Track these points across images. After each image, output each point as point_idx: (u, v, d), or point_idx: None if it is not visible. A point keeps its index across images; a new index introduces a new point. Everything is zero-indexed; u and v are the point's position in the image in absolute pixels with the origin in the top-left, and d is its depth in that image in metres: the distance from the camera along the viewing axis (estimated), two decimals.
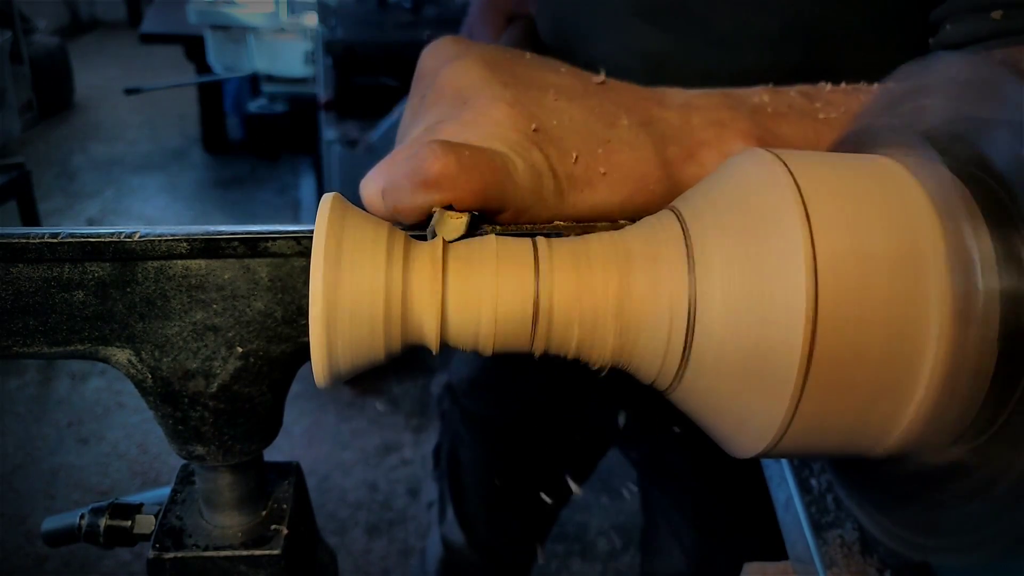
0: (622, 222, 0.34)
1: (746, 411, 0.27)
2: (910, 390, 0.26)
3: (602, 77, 0.38)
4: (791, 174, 0.27)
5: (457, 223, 0.30)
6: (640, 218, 0.33)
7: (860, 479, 0.32)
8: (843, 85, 0.39)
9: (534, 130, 0.33)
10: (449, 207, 0.30)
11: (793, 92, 0.38)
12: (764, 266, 0.26)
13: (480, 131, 0.33)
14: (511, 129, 0.33)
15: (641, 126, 0.35)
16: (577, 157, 0.33)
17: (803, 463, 0.44)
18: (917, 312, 0.25)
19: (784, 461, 0.44)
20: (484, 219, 0.32)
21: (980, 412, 0.25)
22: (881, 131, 0.31)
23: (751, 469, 0.68)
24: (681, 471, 0.77)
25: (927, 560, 0.36)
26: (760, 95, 0.38)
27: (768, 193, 0.27)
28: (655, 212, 0.34)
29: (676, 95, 0.37)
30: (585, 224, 0.34)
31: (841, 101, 0.38)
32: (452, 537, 0.96)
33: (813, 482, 0.42)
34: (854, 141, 0.33)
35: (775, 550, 0.49)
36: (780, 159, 0.27)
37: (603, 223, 0.34)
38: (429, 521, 1.02)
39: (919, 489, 0.28)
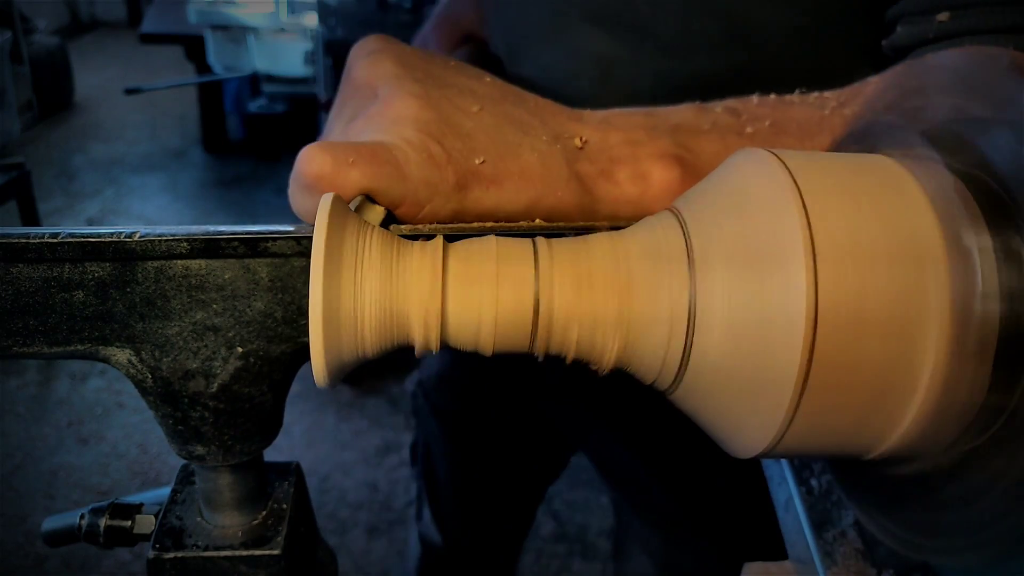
0: (622, 224, 0.34)
1: (746, 411, 0.27)
2: (910, 390, 0.26)
3: (526, 91, 0.39)
4: (790, 174, 0.27)
5: (375, 211, 0.31)
6: (550, 221, 0.34)
7: (860, 479, 0.32)
8: (772, 97, 0.39)
9: (437, 122, 0.33)
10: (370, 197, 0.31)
11: (719, 108, 0.39)
12: (764, 266, 0.26)
13: (382, 123, 0.33)
14: (412, 122, 0.33)
15: (555, 137, 0.35)
16: (482, 153, 0.33)
17: (803, 463, 0.44)
18: (917, 312, 0.25)
19: (784, 461, 0.44)
20: (390, 212, 0.32)
21: (980, 413, 0.25)
22: (881, 130, 0.31)
23: (715, 473, 0.69)
24: (641, 475, 0.77)
25: (927, 560, 0.36)
26: (683, 113, 0.38)
27: (767, 193, 0.27)
28: (565, 217, 0.35)
29: (595, 114, 0.38)
30: (585, 224, 0.34)
31: (768, 114, 0.38)
32: (429, 535, 0.96)
33: (813, 482, 0.42)
34: (854, 140, 0.33)
35: (741, 553, 0.49)
36: (780, 159, 0.27)
37: (603, 223, 0.34)
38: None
39: (919, 490, 0.28)
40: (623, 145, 0.36)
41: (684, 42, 0.50)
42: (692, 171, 0.36)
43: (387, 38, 0.39)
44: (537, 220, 0.34)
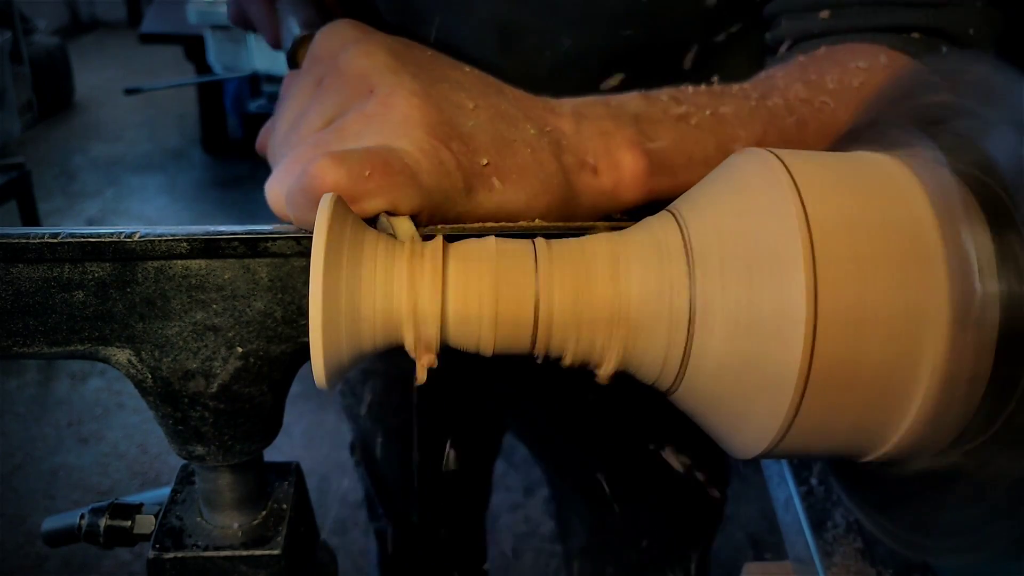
0: (623, 223, 0.34)
1: (747, 412, 0.27)
2: (910, 391, 0.26)
3: (496, 79, 0.38)
4: (790, 174, 0.27)
5: (405, 225, 0.30)
6: (544, 219, 0.34)
7: (860, 480, 0.32)
8: (703, 87, 0.40)
9: (443, 125, 0.32)
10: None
11: (664, 97, 0.39)
12: (764, 266, 0.26)
13: (385, 127, 0.31)
14: (419, 125, 0.31)
15: (539, 131, 0.35)
16: (483, 154, 0.33)
17: (803, 463, 0.44)
18: (916, 312, 0.25)
19: (784, 461, 0.44)
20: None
21: (979, 413, 0.25)
22: (881, 129, 0.31)
23: (628, 440, 0.70)
24: (571, 450, 0.79)
25: (927, 560, 0.36)
26: (636, 102, 0.38)
27: (767, 193, 0.27)
28: (557, 215, 0.34)
29: (564, 104, 0.37)
30: (585, 224, 0.34)
31: (706, 103, 0.38)
32: (386, 531, 0.96)
33: (813, 482, 0.42)
34: (855, 139, 0.33)
35: (679, 511, 0.48)
36: (779, 159, 0.27)
37: (602, 223, 0.34)
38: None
39: (919, 490, 0.28)
40: (596, 136, 0.36)
41: (583, 15, 0.50)
42: (657, 161, 0.36)
43: (361, 24, 0.37)
44: (537, 220, 0.34)
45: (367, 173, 0.29)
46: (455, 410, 0.86)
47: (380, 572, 1.03)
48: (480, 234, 0.31)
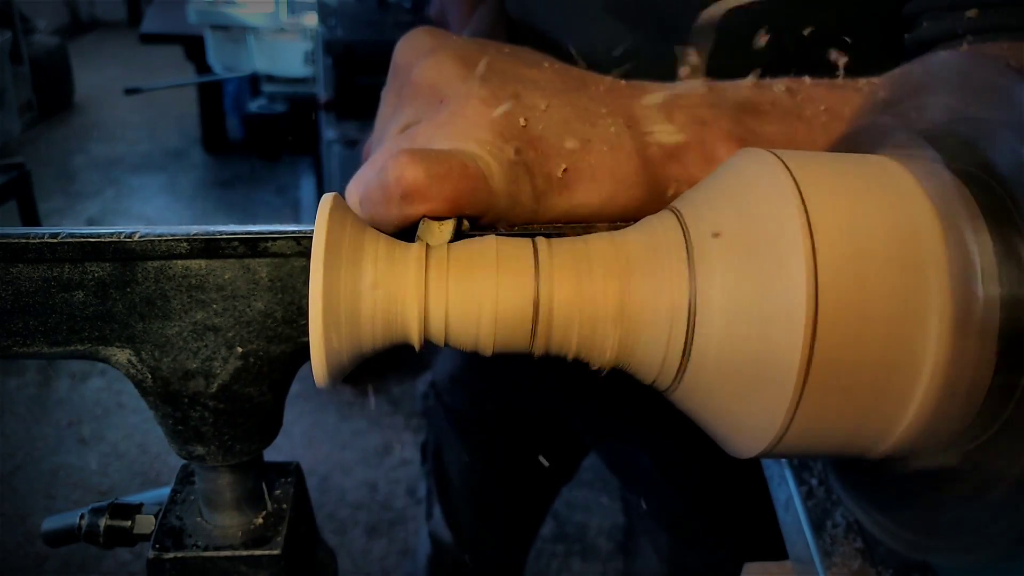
0: (619, 223, 0.34)
1: (746, 411, 0.27)
2: (910, 391, 0.26)
3: (583, 71, 0.37)
4: (791, 174, 0.27)
5: (442, 231, 0.30)
6: (622, 220, 0.33)
7: (860, 479, 0.32)
8: (825, 80, 0.38)
9: (513, 128, 0.32)
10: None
11: (776, 87, 0.37)
12: (764, 266, 0.26)
13: (455, 133, 0.32)
14: (487, 129, 0.31)
15: (623, 124, 0.34)
16: (555, 157, 0.32)
17: (803, 463, 0.44)
18: (917, 312, 0.25)
19: (784, 461, 0.44)
20: (469, 223, 0.31)
21: (980, 413, 0.25)
22: (882, 130, 0.31)
23: (723, 472, 0.69)
24: (652, 474, 0.77)
25: (927, 560, 0.36)
26: (743, 89, 0.37)
27: (768, 193, 0.27)
28: (637, 214, 0.33)
29: (657, 89, 0.36)
30: (585, 224, 0.33)
31: (823, 97, 0.37)
32: (440, 534, 0.96)
33: (813, 482, 0.42)
34: (855, 140, 0.33)
35: (752, 554, 0.49)
36: (780, 159, 0.27)
37: (602, 223, 0.34)
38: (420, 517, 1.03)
39: (919, 489, 0.28)
40: (690, 125, 0.35)
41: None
42: None
43: (437, 31, 0.38)
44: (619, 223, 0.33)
45: (443, 172, 0.29)
46: (539, 428, 0.85)
47: (428, 572, 1.03)
48: (552, 234, 0.30)
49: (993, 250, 0.25)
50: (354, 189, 0.33)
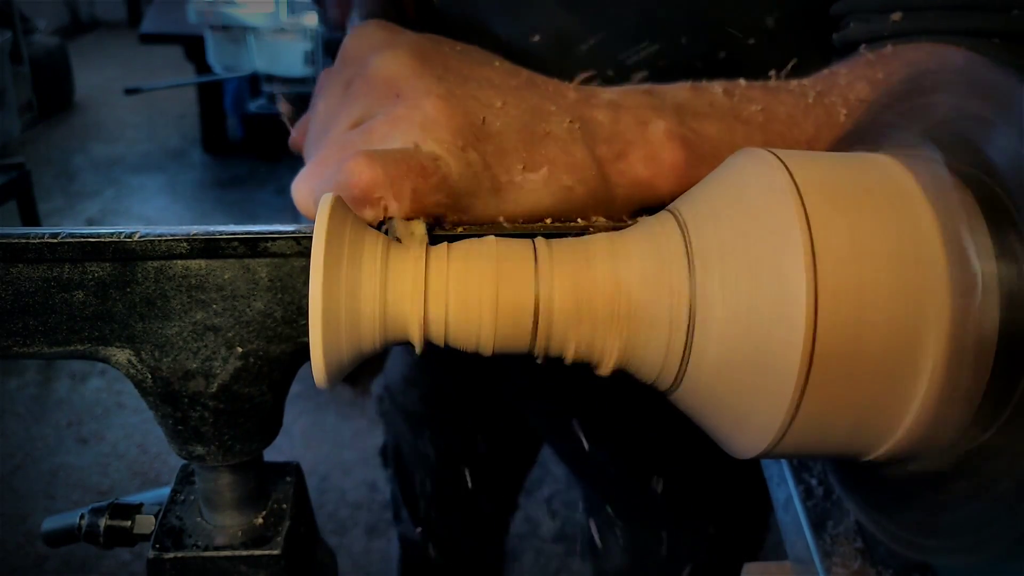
0: (623, 223, 0.34)
1: (747, 411, 0.27)
2: (910, 391, 0.26)
3: (531, 71, 0.38)
4: (790, 174, 0.27)
5: (418, 229, 0.30)
6: (581, 215, 0.33)
7: (861, 479, 0.32)
8: (758, 82, 0.39)
9: (472, 126, 0.32)
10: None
11: (713, 89, 0.38)
12: (764, 267, 0.26)
13: (411, 129, 0.31)
14: (444, 127, 0.31)
15: (574, 124, 0.34)
16: (512, 154, 0.32)
17: (803, 463, 0.44)
18: (916, 313, 0.25)
19: (784, 461, 0.44)
20: (432, 223, 0.31)
21: (979, 413, 0.25)
22: (881, 130, 0.31)
23: (682, 463, 0.69)
24: (608, 467, 0.78)
25: (928, 561, 0.36)
26: (681, 92, 0.37)
27: (767, 193, 0.27)
28: (594, 210, 0.34)
29: (603, 93, 0.37)
30: (585, 225, 0.34)
31: (758, 98, 0.38)
32: (409, 535, 0.97)
33: (813, 482, 0.42)
34: (854, 139, 0.33)
35: (718, 540, 0.48)
36: (779, 159, 0.27)
37: (602, 223, 0.34)
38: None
39: (919, 490, 0.28)
40: (634, 126, 0.35)
41: (643, 27, 0.50)
42: (696, 153, 0.35)
43: (391, 26, 0.37)
44: (585, 219, 0.33)
45: (401, 172, 0.29)
46: (495, 422, 0.86)
47: (400, 574, 1.03)
48: (518, 234, 0.30)
49: (992, 251, 0.25)
50: (304, 186, 0.33)
